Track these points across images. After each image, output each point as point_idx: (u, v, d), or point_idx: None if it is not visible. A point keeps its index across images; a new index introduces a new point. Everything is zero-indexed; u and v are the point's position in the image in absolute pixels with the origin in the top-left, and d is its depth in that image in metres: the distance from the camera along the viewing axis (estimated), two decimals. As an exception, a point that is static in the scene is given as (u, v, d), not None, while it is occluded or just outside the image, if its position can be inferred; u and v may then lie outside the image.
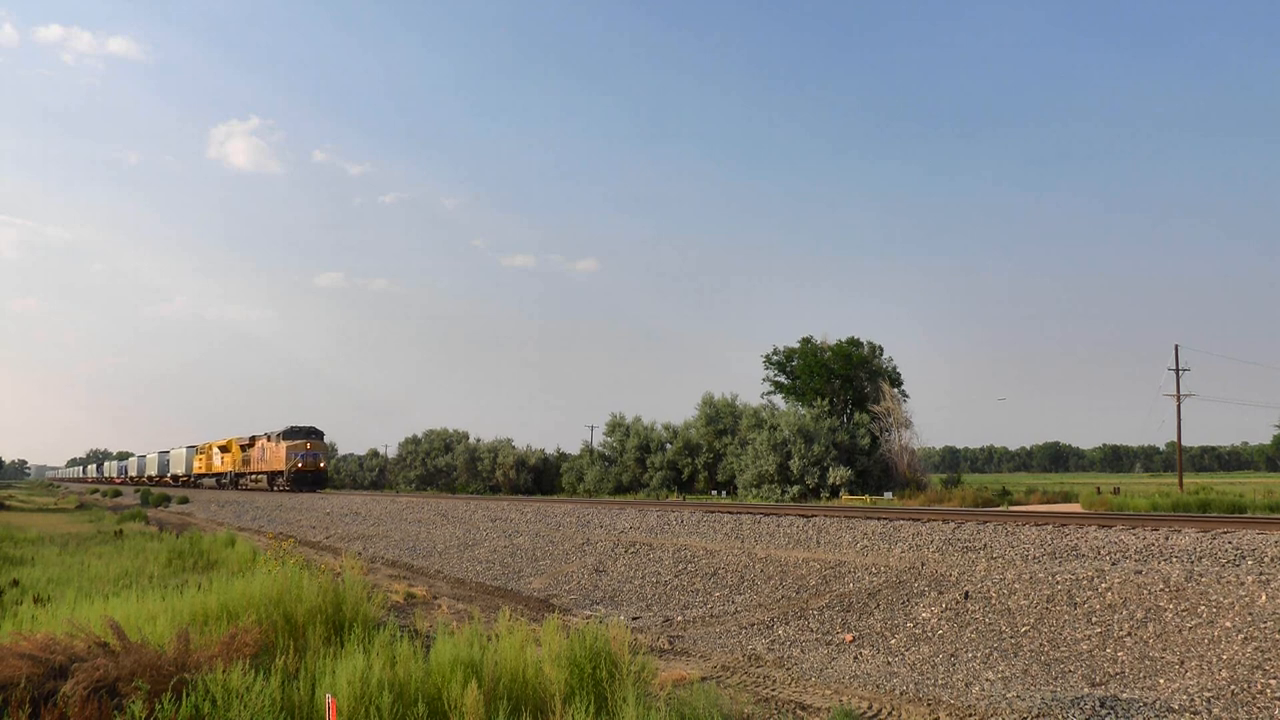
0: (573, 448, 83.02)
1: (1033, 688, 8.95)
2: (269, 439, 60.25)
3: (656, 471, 65.00)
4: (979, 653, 10.40)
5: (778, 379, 63.22)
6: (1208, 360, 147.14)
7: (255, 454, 63.10)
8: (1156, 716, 7.85)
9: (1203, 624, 9.65)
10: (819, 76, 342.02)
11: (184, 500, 58.13)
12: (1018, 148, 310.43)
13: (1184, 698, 8.33)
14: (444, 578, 19.02)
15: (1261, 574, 10.27)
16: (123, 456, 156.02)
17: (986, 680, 9.36)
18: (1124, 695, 8.56)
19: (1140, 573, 11.09)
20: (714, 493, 59.73)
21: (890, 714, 8.14)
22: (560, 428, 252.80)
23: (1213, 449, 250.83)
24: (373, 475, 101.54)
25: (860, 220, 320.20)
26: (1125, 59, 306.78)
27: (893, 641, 11.25)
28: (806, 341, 61.77)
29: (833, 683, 9.27)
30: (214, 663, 6.77)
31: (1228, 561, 11.05)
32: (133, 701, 6.16)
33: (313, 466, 56.94)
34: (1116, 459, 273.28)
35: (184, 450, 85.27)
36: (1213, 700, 8.18)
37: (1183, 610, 10.01)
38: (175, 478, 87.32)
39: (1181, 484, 52.14)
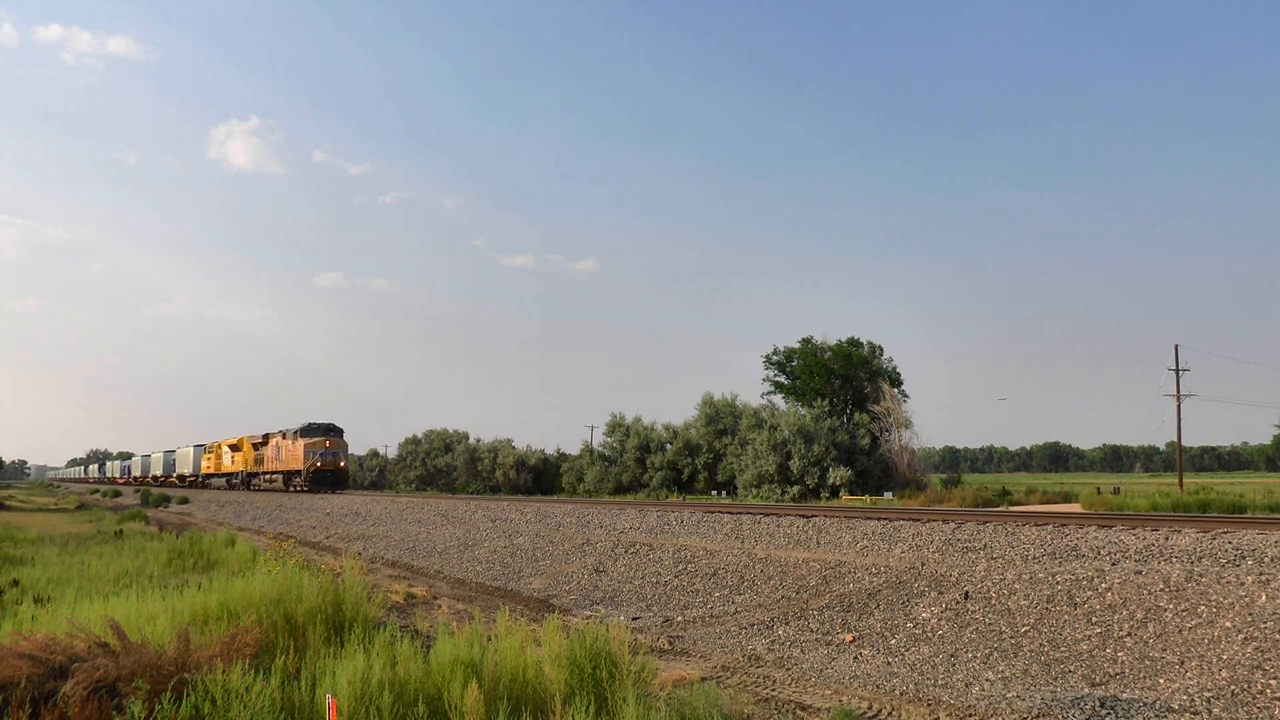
0: (573, 448, 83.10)
1: (1033, 688, 8.95)
2: (284, 437, 56.81)
3: (656, 472, 65.00)
4: (979, 653, 10.40)
5: (778, 379, 63.22)
6: (1208, 360, 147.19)
7: (269, 453, 59.86)
8: (1156, 716, 7.85)
9: (1203, 624, 9.65)
10: (819, 76, 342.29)
11: (184, 500, 58.13)
12: (1018, 148, 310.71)
13: (1184, 698, 8.33)
14: (444, 578, 19.02)
15: (1261, 574, 10.27)
16: (123, 456, 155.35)
17: (986, 680, 9.36)
18: (1124, 695, 8.56)
19: (1140, 573, 11.09)
20: (714, 493, 59.73)
21: (890, 714, 8.14)
22: (560, 428, 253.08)
23: (1213, 449, 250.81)
24: (373, 475, 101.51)
25: (860, 220, 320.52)
26: (1125, 59, 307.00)
27: (893, 642, 11.25)
28: (806, 341, 61.78)
29: (833, 683, 9.27)
30: (214, 663, 6.77)
31: (1228, 561, 11.05)
32: (133, 701, 6.16)
33: (333, 466, 53.25)
34: (1116, 459, 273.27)
35: (191, 449, 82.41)
36: (1213, 700, 8.18)
37: (1183, 610, 10.01)
38: (182, 478, 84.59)
39: (1181, 484, 52.13)
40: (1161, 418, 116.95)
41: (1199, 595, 10.15)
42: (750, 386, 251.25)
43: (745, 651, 11.02)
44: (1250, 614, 9.49)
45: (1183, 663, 9.13)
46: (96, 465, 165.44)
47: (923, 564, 13.63)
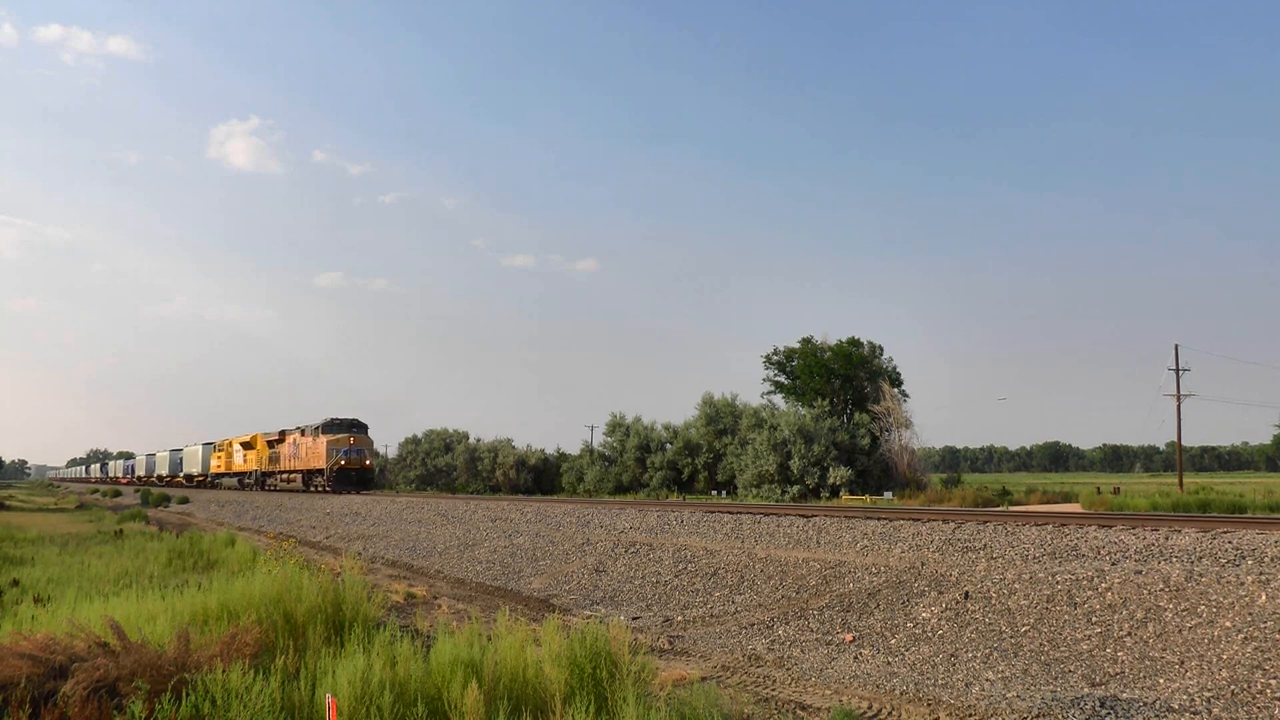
0: (573, 448, 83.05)
1: (1033, 688, 8.95)
2: (303, 433, 53.10)
3: (656, 471, 65.00)
4: (979, 653, 10.40)
5: (778, 379, 63.24)
6: (1208, 360, 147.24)
7: (285, 450, 56.27)
8: (1156, 716, 7.85)
9: (1203, 624, 9.65)
10: (819, 76, 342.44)
11: (184, 500, 58.12)
12: (1018, 148, 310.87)
13: (1184, 698, 8.33)
14: (444, 578, 19.02)
15: (1261, 574, 10.27)
16: (124, 456, 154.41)
17: (986, 680, 9.36)
18: (1124, 695, 8.56)
19: (1140, 573, 11.09)
20: (714, 493, 59.73)
21: (890, 714, 8.14)
22: (560, 428, 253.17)
23: (1213, 449, 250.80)
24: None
25: (860, 220, 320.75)
26: (1125, 59, 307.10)
27: (893, 641, 11.25)
28: (806, 341, 61.79)
29: (833, 683, 9.27)
30: (214, 663, 6.77)
31: (1228, 561, 11.05)
32: (133, 701, 6.16)
33: (358, 464, 49.25)
34: (1116, 459, 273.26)
35: (200, 448, 78.58)
36: (1213, 700, 8.18)
37: (1183, 610, 10.01)
38: (189, 477, 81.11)
39: (1181, 484, 52.13)
40: (1161, 418, 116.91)
41: (1199, 595, 10.15)
42: (750, 386, 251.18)
43: (745, 651, 11.02)
44: (1250, 614, 9.49)
45: (1183, 662, 9.13)
46: (99, 465, 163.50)
47: (923, 564, 13.63)
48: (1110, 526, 14.57)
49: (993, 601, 11.62)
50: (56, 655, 6.85)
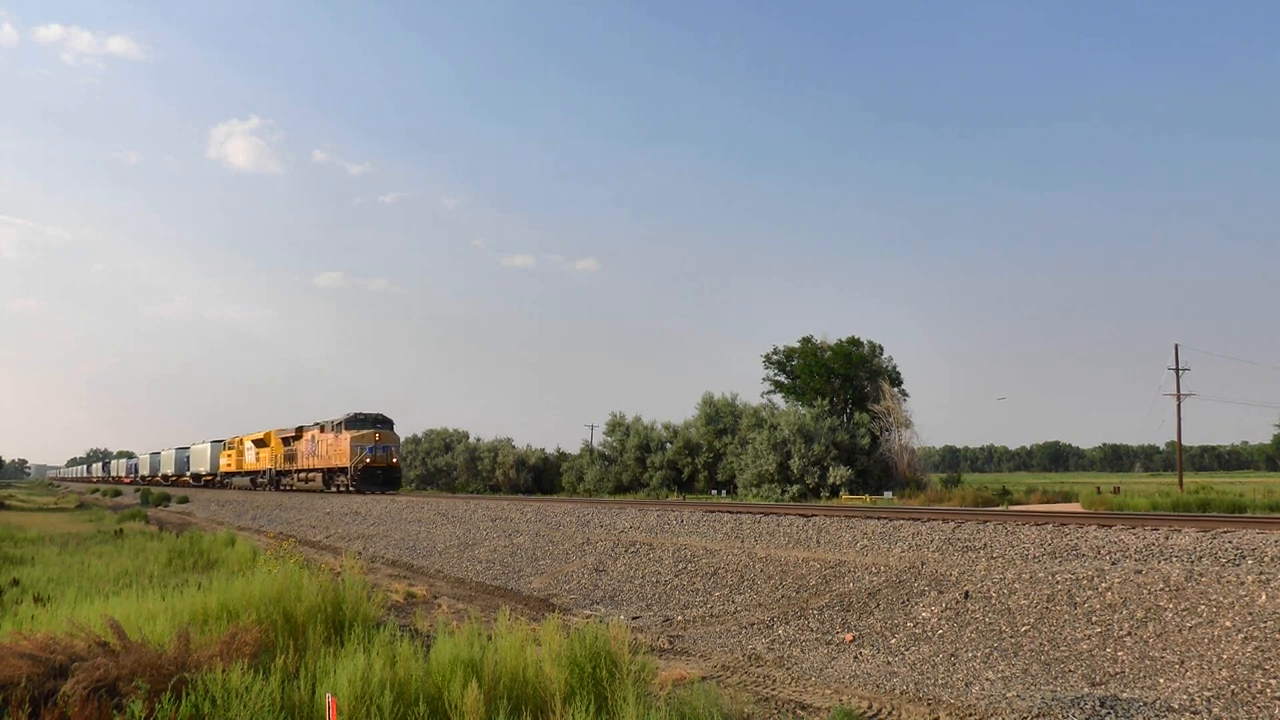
0: (573, 448, 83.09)
1: (1033, 687, 8.95)
2: (323, 430, 49.76)
3: (656, 471, 65.01)
4: (979, 652, 10.40)
5: (778, 379, 63.28)
6: (1208, 360, 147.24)
7: (303, 448, 52.91)
8: (1156, 716, 7.84)
9: (1203, 624, 9.65)
10: (819, 76, 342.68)
11: (184, 500, 58.11)
12: (1018, 148, 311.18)
13: (1184, 697, 8.33)
14: (444, 577, 19.02)
15: (1261, 574, 10.26)
16: (125, 455, 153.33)
17: (986, 680, 9.36)
18: (1124, 695, 8.56)
19: (1140, 572, 11.09)
20: (714, 492, 59.73)
21: (890, 714, 8.14)
22: (560, 428, 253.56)
23: (1213, 449, 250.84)
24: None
25: (860, 220, 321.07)
26: (1125, 59, 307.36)
27: (893, 641, 11.25)
28: (806, 341, 61.82)
29: (833, 682, 9.27)
30: (214, 662, 6.77)
31: (1228, 561, 11.05)
32: (133, 701, 6.16)
33: (385, 462, 45.79)
34: (1116, 459, 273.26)
35: (208, 445, 75.15)
36: (1213, 700, 8.18)
37: (1183, 610, 10.01)
38: (197, 476, 77.71)
39: (1181, 484, 52.13)
40: (1161, 417, 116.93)
41: (1199, 595, 10.15)
42: (750, 386, 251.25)
43: (745, 651, 11.02)
44: (1250, 613, 9.49)
45: (1183, 662, 9.13)
46: (101, 464, 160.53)
47: (923, 563, 13.63)
48: (1110, 526, 14.57)
49: (993, 601, 11.62)
50: (56, 655, 6.85)
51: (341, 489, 46.84)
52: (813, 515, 19.42)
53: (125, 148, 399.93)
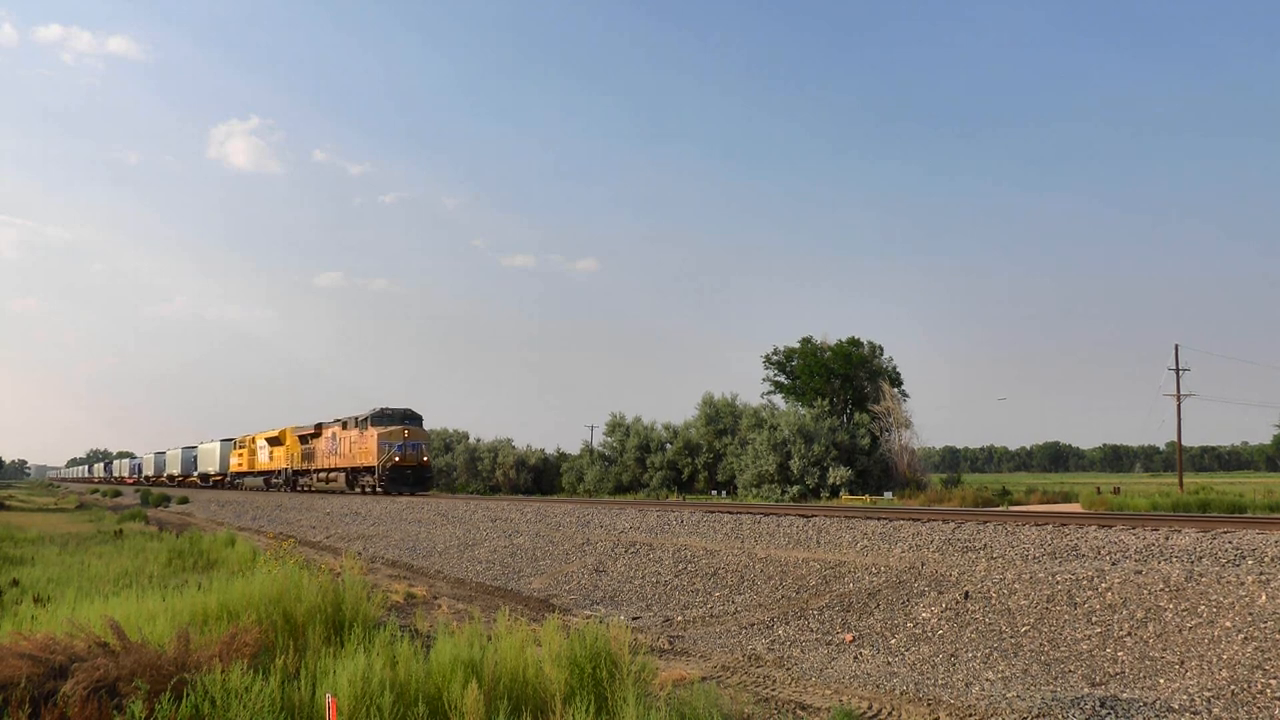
0: (573, 448, 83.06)
1: (1033, 688, 8.94)
2: (344, 426, 46.65)
3: (656, 471, 65.00)
4: (979, 653, 10.39)
5: (778, 379, 63.29)
6: (1208, 360, 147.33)
7: (322, 446, 49.79)
8: (1156, 716, 7.84)
9: (1203, 624, 9.65)
10: (819, 76, 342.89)
11: (184, 500, 58.07)
12: (1018, 148, 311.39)
13: (1184, 698, 8.33)
14: (444, 578, 19.02)
15: (1261, 574, 10.26)
16: (124, 456, 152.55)
17: (986, 680, 9.36)
18: (1124, 695, 8.55)
19: (1140, 573, 11.09)
20: (714, 493, 59.72)
21: (890, 714, 8.14)
22: (560, 428, 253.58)
23: (1213, 449, 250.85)
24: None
25: (860, 220, 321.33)
26: (1125, 59, 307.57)
27: (893, 641, 11.25)
28: (806, 341, 61.83)
29: (833, 683, 9.27)
30: (214, 662, 6.77)
31: (1228, 561, 11.05)
32: (133, 701, 6.15)
33: (415, 460, 42.47)
34: (1116, 459, 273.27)
35: (217, 444, 72.38)
36: (1213, 700, 8.18)
37: (1183, 610, 10.01)
38: (205, 477, 75.05)
39: (1181, 484, 52.13)
40: (1161, 418, 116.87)
41: (1199, 595, 10.14)
42: (750, 386, 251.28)
43: (745, 651, 11.02)
44: (1250, 614, 9.49)
45: (1183, 662, 9.13)
46: (103, 464, 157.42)
47: (923, 564, 13.63)
48: (1110, 526, 14.56)
49: (993, 601, 11.62)
50: (56, 655, 6.85)
51: (367, 490, 43.85)
52: (813, 516, 19.42)
53: (125, 148, 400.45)
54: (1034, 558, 12.86)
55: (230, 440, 69.75)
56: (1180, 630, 9.68)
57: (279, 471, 57.13)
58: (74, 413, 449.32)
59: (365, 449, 43.89)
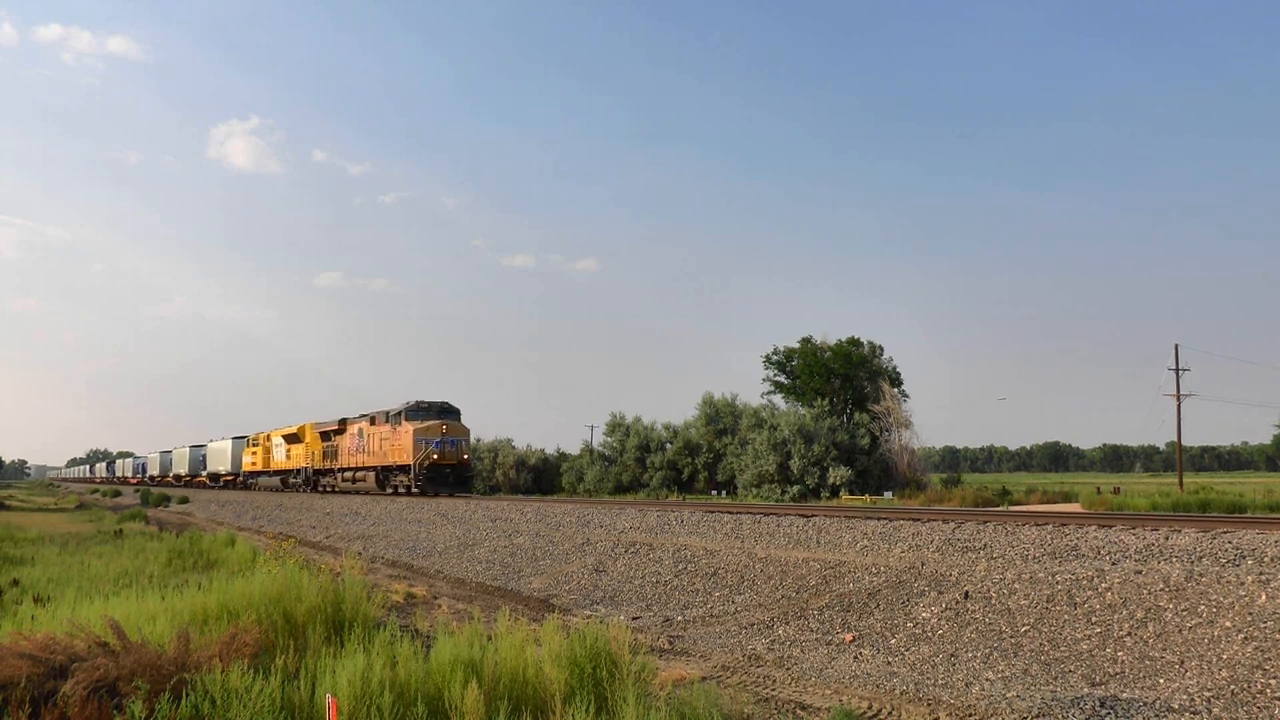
0: (573, 448, 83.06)
1: (1033, 687, 8.95)
2: (373, 422, 42.75)
3: (656, 471, 65.00)
4: (979, 652, 10.40)
5: (778, 379, 63.30)
6: (1208, 360, 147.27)
7: (347, 444, 46.13)
8: (1156, 716, 7.84)
9: (1203, 624, 9.65)
10: (819, 76, 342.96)
11: (184, 500, 58.08)
12: (1018, 148, 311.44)
13: (1184, 697, 8.33)
14: (444, 578, 19.02)
15: (1261, 574, 10.26)
16: (124, 456, 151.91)
17: (986, 680, 9.36)
18: (1124, 695, 8.55)
19: (1140, 573, 11.09)
20: (714, 493, 59.73)
21: (890, 714, 8.14)
22: (560, 428, 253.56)
23: (1213, 449, 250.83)
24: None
25: (860, 220, 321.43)
26: (1125, 59, 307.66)
27: (893, 641, 11.25)
28: (806, 341, 61.84)
29: (833, 682, 9.27)
30: (214, 662, 6.77)
31: (1228, 561, 11.05)
32: (133, 701, 6.15)
33: (454, 459, 38.78)
34: (1116, 459, 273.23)
35: (229, 442, 69.30)
36: (1213, 700, 8.18)
37: (1183, 610, 10.01)
38: (215, 477, 72.09)
39: (1181, 484, 52.13)
40: (1161, 417, 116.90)
41: (1199, 595, 10.15)
42: (750, 386, 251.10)
43: (745, 651, 11.02)
44: (1250, 614, 9.49)
45: (1183, 662, 9.13)
46: (105, 464, 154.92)
47: (923, 564, 13.63)
48: (1110, 526, 14.57)
49: (993, 601, 11.62)
50: (56, 655, 6.85)
51: (401, 490, 40.17)
52: (813, 515, 19.42)
53: (125, 148, 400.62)
54: (1034, 558, 12.86)
55: (243, 438, 66.91)
56: (1180, 630, 9.68)
57: (297, 471, 53.72)
58: (74, 413, 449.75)
59: (399, 446, 40.03)
